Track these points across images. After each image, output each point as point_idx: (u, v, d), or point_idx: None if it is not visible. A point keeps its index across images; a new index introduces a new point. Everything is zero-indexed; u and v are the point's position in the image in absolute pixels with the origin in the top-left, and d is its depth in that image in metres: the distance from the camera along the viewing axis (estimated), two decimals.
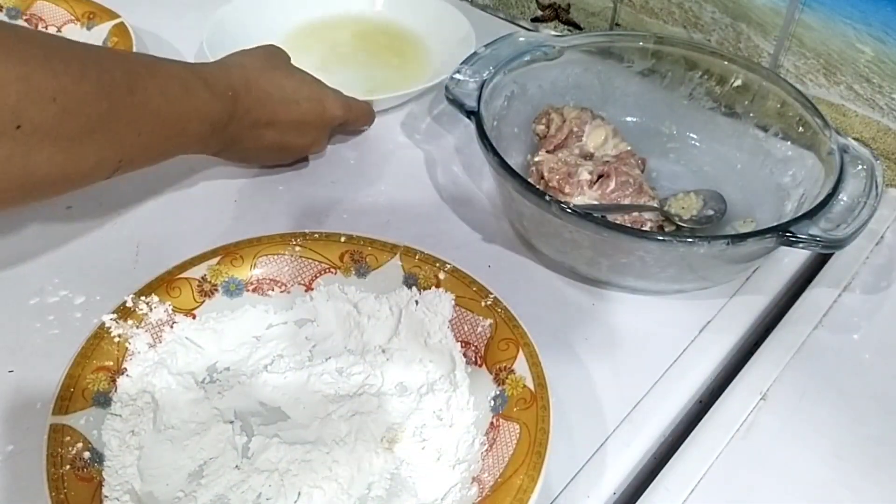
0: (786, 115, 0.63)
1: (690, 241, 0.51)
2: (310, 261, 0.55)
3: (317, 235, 0.55)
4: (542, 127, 0.67)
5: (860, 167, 0.56)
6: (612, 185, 0.61)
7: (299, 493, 0.45)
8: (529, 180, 0.57)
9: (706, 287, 0.58)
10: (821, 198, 0.54)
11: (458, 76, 0.63)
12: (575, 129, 0.65)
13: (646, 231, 0.59)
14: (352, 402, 0.50)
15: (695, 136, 0.69)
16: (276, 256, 0.55)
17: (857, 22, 0.65)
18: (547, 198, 0.53)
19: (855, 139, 0.59)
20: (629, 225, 0.59)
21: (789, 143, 0.63)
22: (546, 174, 0.62)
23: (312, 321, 0.54)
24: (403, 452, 0.47)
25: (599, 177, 0.61)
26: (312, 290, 0.55)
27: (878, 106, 0.67)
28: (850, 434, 0.50)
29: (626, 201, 0.61)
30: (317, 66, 0.79)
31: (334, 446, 0.47)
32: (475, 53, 0.65)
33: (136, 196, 0.64)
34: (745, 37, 0.73)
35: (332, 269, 0.55)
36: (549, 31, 0.86)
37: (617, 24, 0.82)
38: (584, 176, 0.61)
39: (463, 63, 0.64)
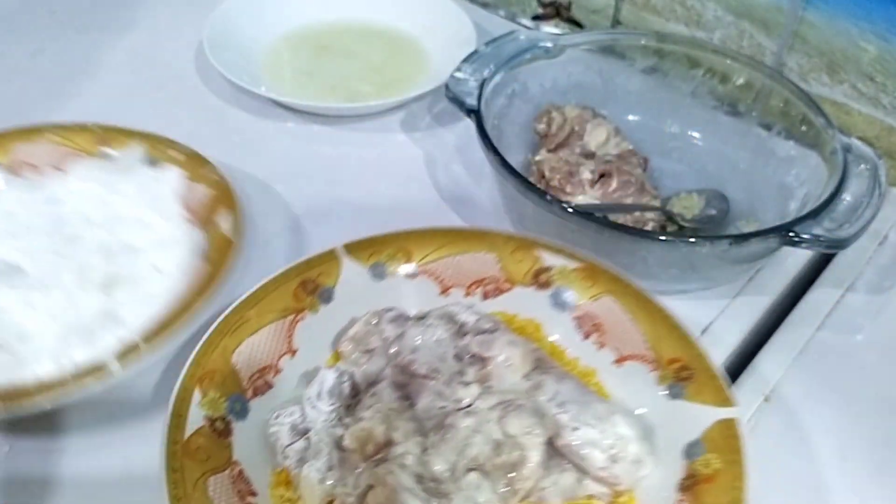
0: (789, 113, 0.63)
1: (693, 241, 0.51)
2: (63, 147, 0.60)
3: (70, 125, 0.61)
4: (543, 126, 0.66)
5: (863, 166, 0.56)
6: (614, 184, 0.60)
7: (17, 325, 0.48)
8: (530, 180, 0.57)
9: (709, 287, 0.58)
10: (824, 197, 0.53)
11: (458, 74, 0.62)
12: (576, 128, 0.65)
13: (648, 231, 0.58)
14: (80, 256, 0.54)
15: (697, 135, 0.69)
16: (31, 143, 0.59)
17: (861, 20, 0.65)
18: (548, 197, 0.53)
19: (858, 138, 0.58)
20: (631, 225, 0.59)
21: (792, 142, 0.62)
22: (547, 173, 0.62)
23: (63, 200, 0.58)
24: (117, 294, 0.52)
25: (601, 176, 0.61)
26: (65, 171, 0.60)
27: (881, 105, 0.67)
28: (854, 435, 0.50)
29: (628, 201, 0.60)
30: (316, 65, 0.79)
31: (55, 289, 0.51)
32: (476, 52, 0.65)
33: None
34: (749, 35, 0.72)
35: (84, 154, 0.60)
36: (550, 29, 0.86)
37: (618, 22, 0.81)
38: (586, 175, 0.61)
39: (463, 61, 0.64)
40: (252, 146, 0.70)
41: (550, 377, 0.43)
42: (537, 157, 0.64)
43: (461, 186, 0.67)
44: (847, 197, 0.54)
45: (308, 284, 0.47)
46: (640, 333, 0.45)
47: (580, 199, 0.60)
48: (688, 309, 0.57)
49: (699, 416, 0.41)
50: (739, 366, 0.54)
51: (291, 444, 0.41)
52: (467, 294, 0.49)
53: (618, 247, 0.53)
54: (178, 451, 0.39)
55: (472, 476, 0.39)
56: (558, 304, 0.48)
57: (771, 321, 0.58)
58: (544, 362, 0.44)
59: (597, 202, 0.60)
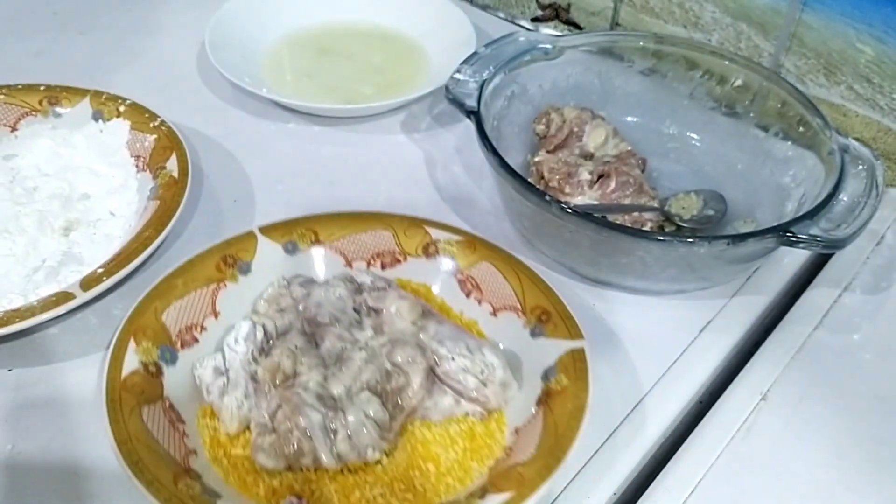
0: (786, 115, 0.63)
1: (691, 241, 0.51)
2: (14, 106, 0.66)
3: (19, 86, 0.67)
4: (543, 127, 0.67)
5: (861, 167, 0.56)
6: (613, 185, 0.61)
7: None
8: (529, 180, 0.57)
9: (706, 287, 0.58)
10: (821, 198, 0.53)
11: (458, 76, 0.63)
12: (575, 129, 0.65)
13: (646, 231, 0.59)
14: (40, 205, 0.59)
15: (695, 136, 0.69)
16: None
17: (858, 22, 0.65)
18: (547, 198, 0.53)
19: (855, 139, 0.59)
20: (629, 225, 0.59)
21: (790, 143, 0.63)
22: (546, 174, 0.62)
23: (19, 155, 0.63)
24: (77, 237, 0.58)
25: (600, 177, 0.61)
26: (18, 129, 0.66)
27: (878, 106, 0.67)
28: (850, 434, 0.50)
29: (627, 201, 0.60)
30: (317, 67, 0.79)
31: (18, 235, 0.56)
32: (475, 53, 0.65)
33: None
34: (746, 37, 0.73)
35: (35, 113, 0.66)
36: (549, 31, 0.86)
37: (617, 24, 0.82)
38: (585, 176, 0.61)
39: (463, 63, 0.64)
40: (253, 147, 0.70)
41: (433, 321, 0.51)
42: (536, 158, 0.64)
43: (461, 187, 0.67)
44: (844, 197, 0.54)
45: (228, 259, 0.55)
46: (511, 289, 0.53)
47: (579, 200, 0.60)
48: (686, 308, 0.57)
49: (555, 348, 0.50)
50: (737, 365, 0.55)
51: (214, 381, 0.49)
52: (369, 265, 0.57)
53: (616, 247, 0.54)
54: (116, 386, 0.46)
55: (365, 394, 0.47)
56: (444, 270, 0.56)
57: (768, 321, 0.59)
58: (429, 311, 0.53)
59: (595, 203, 0.60)
